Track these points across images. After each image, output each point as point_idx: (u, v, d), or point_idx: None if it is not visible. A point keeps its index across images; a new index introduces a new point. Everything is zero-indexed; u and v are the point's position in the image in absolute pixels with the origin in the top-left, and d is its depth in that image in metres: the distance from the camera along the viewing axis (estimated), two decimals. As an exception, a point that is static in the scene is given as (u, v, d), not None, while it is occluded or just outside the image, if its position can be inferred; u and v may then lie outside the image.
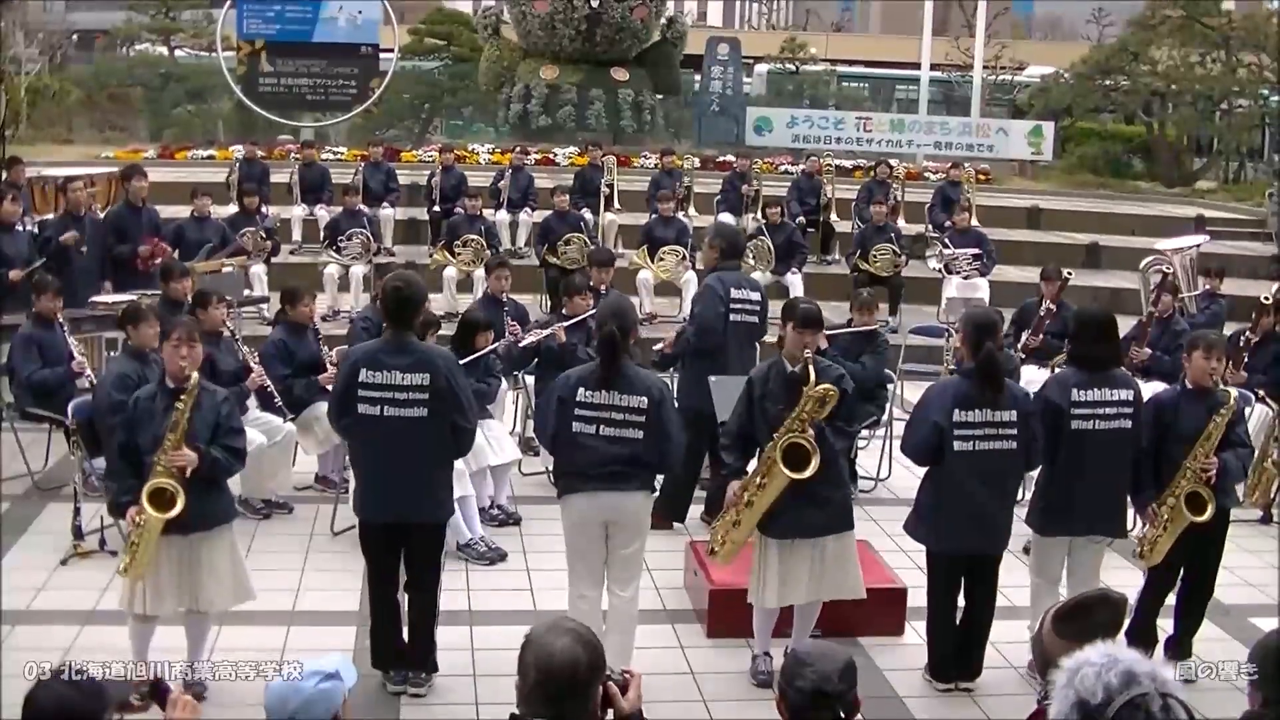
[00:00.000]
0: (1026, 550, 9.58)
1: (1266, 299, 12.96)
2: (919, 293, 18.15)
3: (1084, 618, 4.22)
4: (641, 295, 16.53)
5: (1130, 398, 8.00)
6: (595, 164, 20.20)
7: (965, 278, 17.35)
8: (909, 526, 8.25)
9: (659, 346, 11.00)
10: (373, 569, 7.82)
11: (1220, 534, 8.38)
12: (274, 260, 16.65)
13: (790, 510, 7.71)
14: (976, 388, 7.82)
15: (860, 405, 8.60)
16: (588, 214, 18.52)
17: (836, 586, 7.87)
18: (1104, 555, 8.43)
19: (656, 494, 8.07)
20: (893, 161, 22.39)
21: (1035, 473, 8.74)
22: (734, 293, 10.61)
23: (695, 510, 10.79)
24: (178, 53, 39.01)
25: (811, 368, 7.59)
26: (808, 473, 7.48)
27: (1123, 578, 8.93)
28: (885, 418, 11.75)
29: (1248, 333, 12.88)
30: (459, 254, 16.86)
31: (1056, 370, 9.64)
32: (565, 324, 11.41)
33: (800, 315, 7.87)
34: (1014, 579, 8.93)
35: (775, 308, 10.68)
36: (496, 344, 10.87)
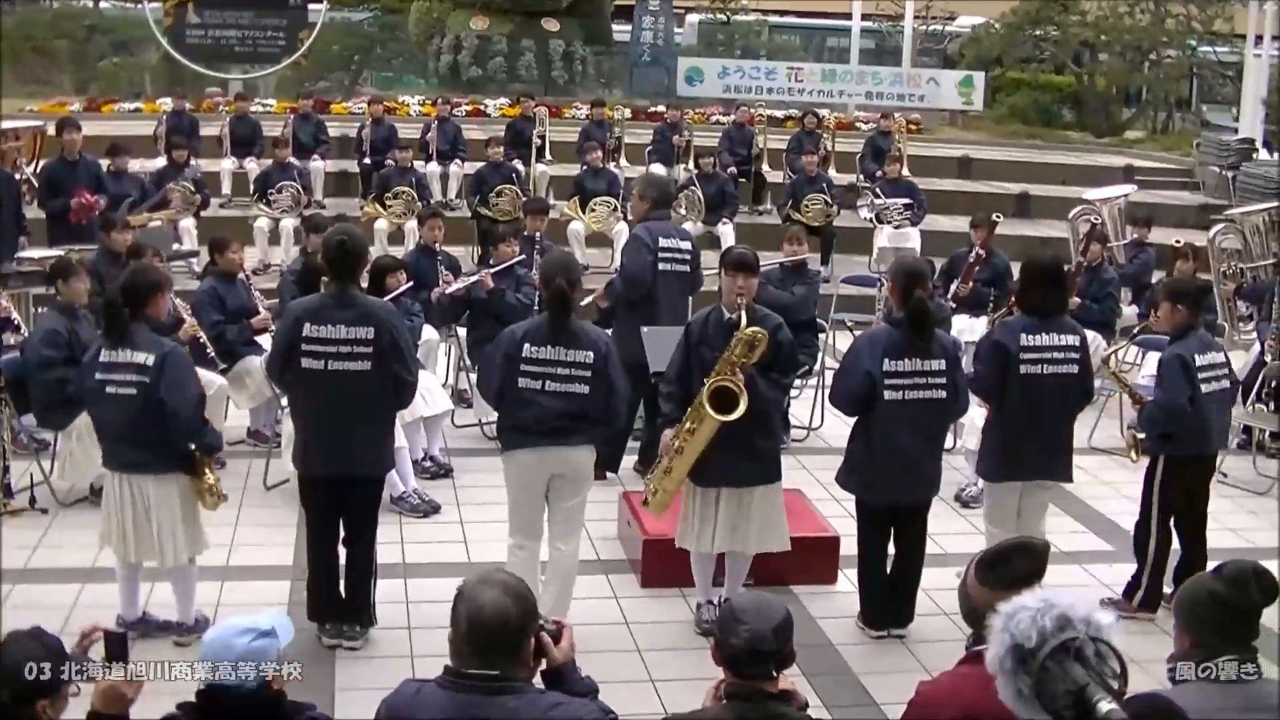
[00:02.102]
0: (958, 498, 10.10)
1: (1177, 242, 13.13)
2: (851, 242, 18.16)
3: (1005, 566, 4.25)
4: (573, 246, 16.48)
5: (1077, 343, 8.04)
6: (527, 115, 20.12)
7: (896, 227, 17.35)
8: (840, 478, 8.26)
9: (590, 300, 10.98)
10: (313, 523, 7.79)
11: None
12: (203, 214, 16.49)
13: (719, 459, 7.70)
14: (906, 337, 7.81)
15: (795, 353, 8.58)
16: (519, 165, 18.45)
17: (762, 539, 7.89)
18: (1048, 503, 8.54)
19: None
20: (823, 112, 22.35)
21: (970, 419, 9.22)
22: (662, 242, 10.58)
23: (629, 461, 10.82)
24: (103, 4, 38.42)
25: (744, 313, 7.56)
26: (735, 414, 7.45)
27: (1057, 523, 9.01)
28: (817, 367, 11.81)
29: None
30: (390, 206, 16.78)
31: (996, 321, 9.77)
32: (491, 270, 11.40)
33: (732, 259, 7.86)
34: (944, 526, 9.08)
35: (709, 259, 10.88)
36: (411, 283, 10.82)
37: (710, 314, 7.91)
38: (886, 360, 7.80)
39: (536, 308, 9.98)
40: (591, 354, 7.53)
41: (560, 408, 7.50)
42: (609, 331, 9.70)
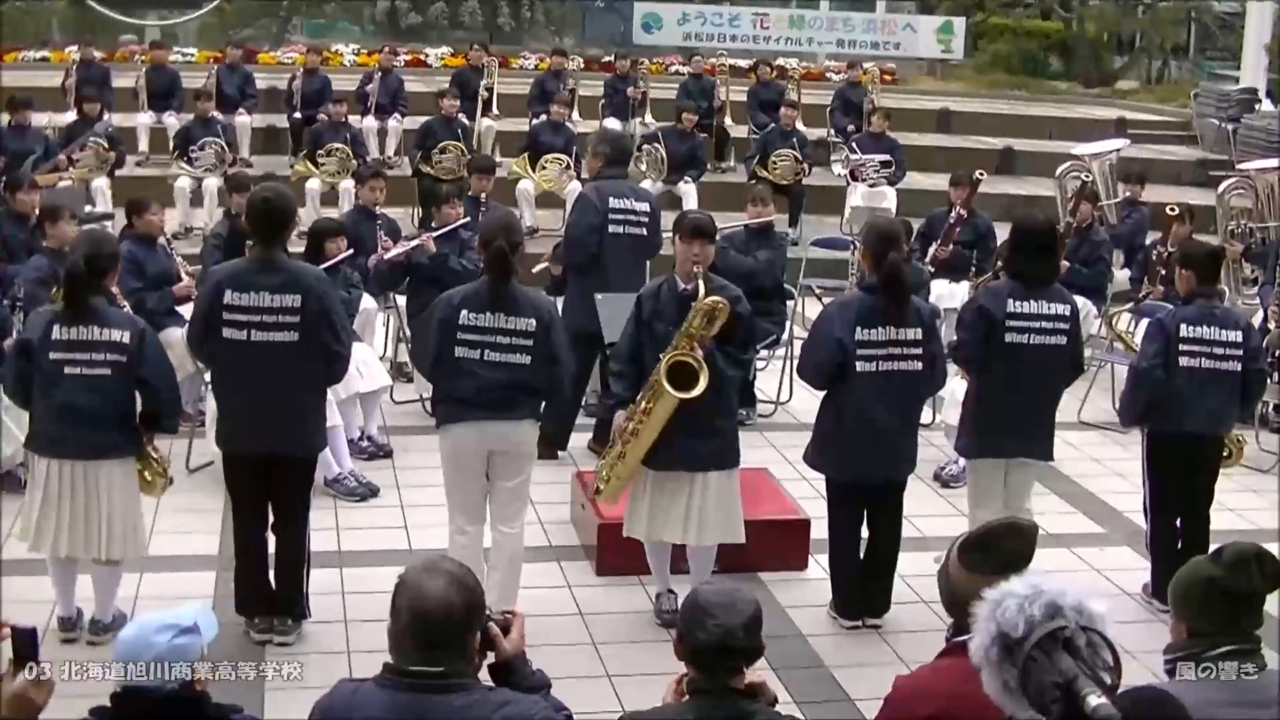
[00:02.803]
0: (937, 478, 10.19)
1: (1173, 209, 13.13)
2: (821, 203, 18.19)
3: (992, 549, 4.24)
4: (522, 207, 16.42)
5: (1067, 313, 8.07)
6: (474, 65, 20.01)
7: (871, 186, 17.37)
8: (808, 456, 8.29)
9: (539, 267, 11.03)
10: (238, 507, 7.77)
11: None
12: (118, 173, 16.37)
13: (672, 441, 7.71)
14: (880, 304, 7.83)
15: (758, 325, 8.64)
16: (464, 119, 18.30)
17: (716, 529, 7.88)
18: (1033, 480, 8.59)
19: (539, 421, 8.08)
20: (791, 61, 22.31)
21: (950, 392, 9.27)
22: (613, 203, 10.56)
23: (581, 439, 10.82)
24: (5, -56, 38.09)
25: (702, 282, 7.56)
26: (696, 391, 7.46)
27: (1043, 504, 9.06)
28: (785, 336, 11.78)
29: (1159, 247, 13.16)
30: (323, 164, 16.70)
31: (980, 286, 9.83)
32: (434, 234, 11.41)
33: (687, 224, 7.85)
34: (922, 507, 9.13)
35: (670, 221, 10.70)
36: (351, 250, 10.83)
37: (662, 285, 7.90)
38: (859, 329, 7.80)
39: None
40: (533, 321, 7.51)
41: (500, 378, 7.49)
42: (561, 300, 9.87)
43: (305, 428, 7.69)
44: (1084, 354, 8.66)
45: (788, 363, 11.68)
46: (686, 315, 7.59)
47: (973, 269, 12.59)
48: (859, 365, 7.82)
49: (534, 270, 11.40)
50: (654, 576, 8.23)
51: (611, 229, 10.53)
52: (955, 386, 9.27)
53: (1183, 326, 8.31)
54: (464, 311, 7.50)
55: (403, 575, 3.99)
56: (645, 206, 10.75)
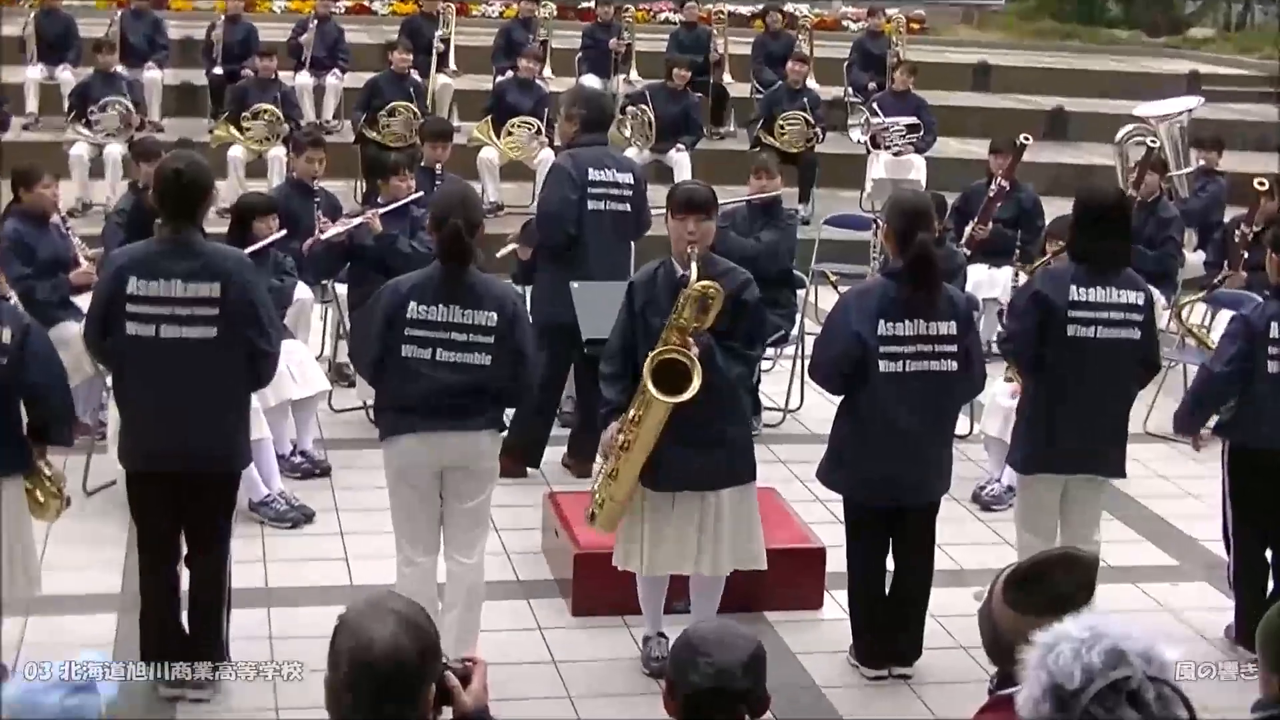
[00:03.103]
0: (977, 499, 10.17)
1: (1261, 183, 13.07)
2: (838, 174, 18.16)
3: (1044, 584, 4.21)
4: (484, 180, 16.42)
5: (1141, 302, 8.07)
6: (428, 14, 19.99)
7: (896, 154, 17.32)
8: (822, 473, 8.28)
9: (505, 251, 11.07)
10: (144, 536, 7.70)
11: None
12: (3, 137, 16.39)
13: (673, 455, 7.65)
14: (907, 292, 7.81)
15: (767, 317, 8.65)
16: (415, 76, 18.29)
17: (733, 555, 7.87)
18: (1102, 503, 8.57)
19: (505, 433, 8.13)
20: (802, 8, 22.26)
21: (990, 397, 9.33)
22: (593, 174, 10.54)
23: (555, 453, 10.76)
24: None
25: (695, 264, 7.51)
26: (686, 394, 7.40)
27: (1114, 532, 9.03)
28: (795, 331, 11.71)
29: (1242, 225, 13.08)
30: (248, 129, 16.68)
31: (1038, 269, 9.73)
32: (380, 211, 11.38)
33: (680, 198, 7.81)
34: (958, 534, 9.14)
35: (659, 196, 10.46)
36: (283, 230, 10.83)
37: (658, 270, 7.89)
38: (882, 322, 7.80)
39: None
40: (494, 314, 7.52)
41: (455, 382, 7.50)
42: (528, 289, 10.02)
43: (226, 441, 7.61)
44: (1159, 350, 8.66)
45: (798, 362, 11.64)
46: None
47: (1016, 251, 12.52)
48: (882, 364, 7.80)
49: (498, 255, 11.42)
50: (644, 616, 8.21)
51: (590, 205, 10.50)
52: (996, 391, 9.43)
53: (1274, 325, 8.23)
54: (413, 303, 7.50)
55: (343, 616, 3.96)
56: (629, 178, 10.73)
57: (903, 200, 8.30)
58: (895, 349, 7.81)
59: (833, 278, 12.35)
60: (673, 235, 7.77)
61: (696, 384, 7.38)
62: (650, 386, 7.46)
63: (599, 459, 8.08)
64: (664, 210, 8.03)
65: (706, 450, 7.70)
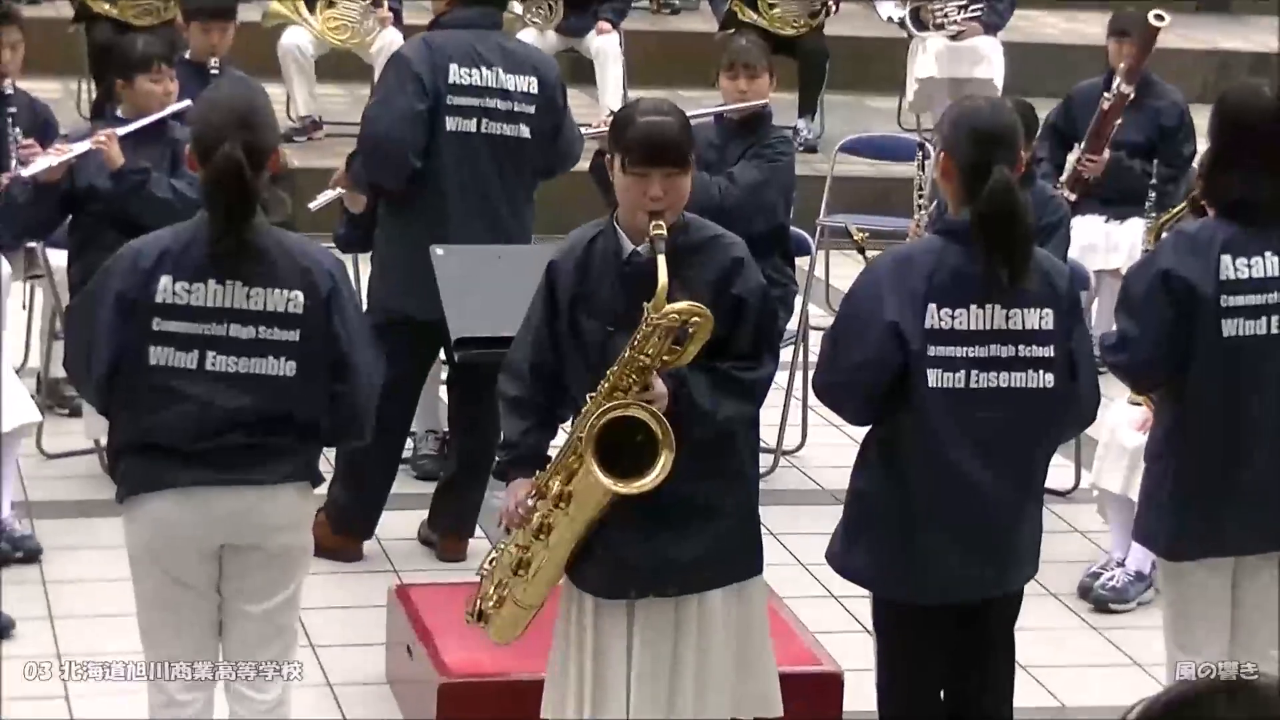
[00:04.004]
0: (1087, 593, 8.89)
1: None
2: (861, 70, 15.61)
3: None
4: (291, 81, 14.00)
5: None
6: None
7: (954, 37, 14.83)
8: (838, 554, 6.69)
9: (323, 199, 9.28)
10: None
11: None
12: None
13: (628, 537, 6.23)
14: (975, 261, 6.30)
15: (777, 311, 7.21)
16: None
17: (733, 698, 6.52)
18: None
19: (326, 485, 7.21)
20: None
21: (1109, 430, 8.47)
22: (457, 73, 8.59)
23: (404, 520, 9.01)
24: None
25: (662, 259, 5.94)
26: (648, 480, 5.99)
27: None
28: (793, 324, 9.85)
29: None
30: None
31: (1165, 228, 8.49)
32: (121, 130, 9.74)
33: (636, 139, 6.16)
34: (1056, 647, 8.10)
35: (582, 110, 10.36)
36: None
37: (596, 240, 6.41)
38: (934, 309, 6.31)
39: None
40: (300, 295, 6.27)
41: (238, 406, 6.30)
42: (363, 259, 9.36)
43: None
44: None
45: (797, 375, 10.01)
46: (637, 298, 6.08)
47: (1150, 195, 10.34)
48: (933, 377, 6.28)
49: (311, 205, 9.22)
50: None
51: (450, 123, 8.54)
52: (1115, 421, 8.19)
53: None
54: (165, 278, 6.25)
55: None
56: (528, 82, 8.69)
57: (970, 114, 6.68)
58: (955, 352, 6.34)
59: (857, 234, 10.17)
60: (624, 196, 6.28)
61: (664, 465, 5.98)
62: (595, 467, 6.08)
63: (498, 527, 6.67)
64: (594, 135, 7.81)
65: (684, 528, 6.31)
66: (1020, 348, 6.35)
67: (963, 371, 6.30)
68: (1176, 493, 6.83)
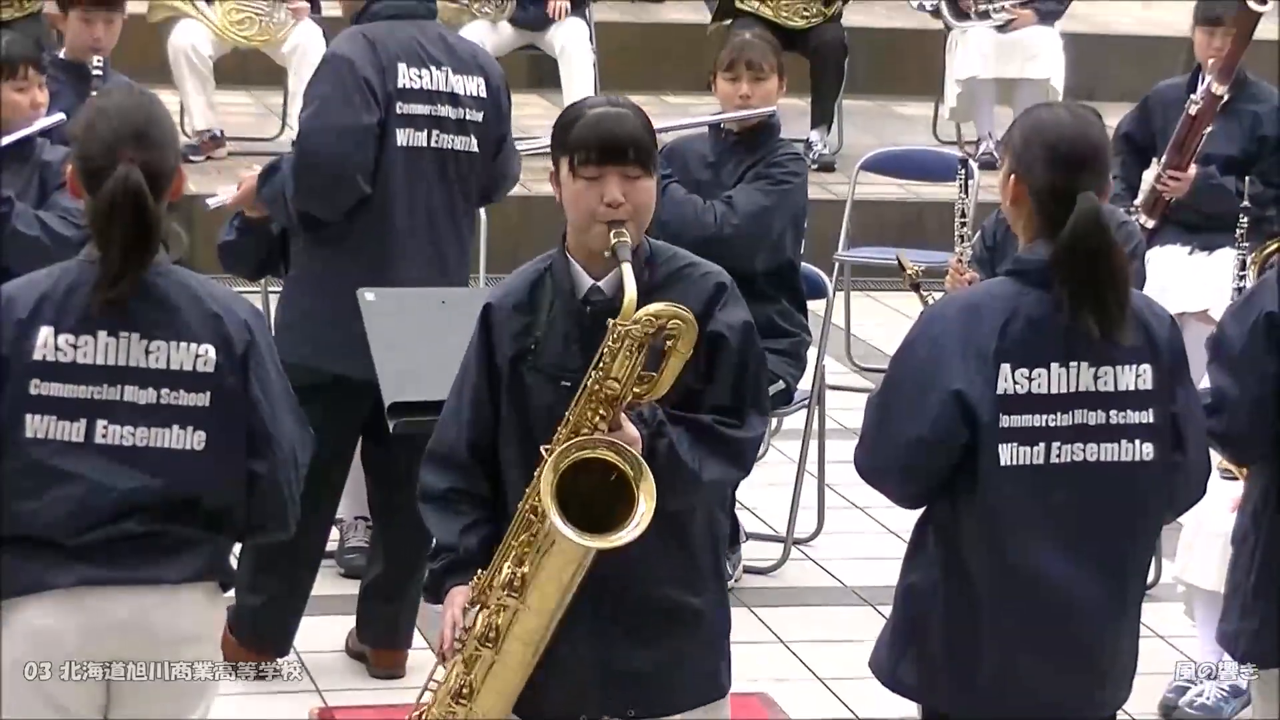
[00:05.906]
0: (1169, 712, 8.22)
1: None
2: (888, 69, 14.98)
3: None
4: (185, 87, 12.93)
5: None
6: None
7: (1001, 28, 13.96)
8: (885, 665, 5.87)
9: (225, 195, 8.47)
10: None
11: None
12: None
13: (574, 652, 5.56)
14: (1057, 311, 5.59)
15: (764, 358, 6.29)
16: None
17: None
18: None
19: (232, 591, 6.46)
20: None
21: (1198, 519, 7.67)
22: (407, 75, 7.78)
23: (331, 628, 8.26)
24: None
25: (627, 267, 5.30)
26: (627, 532, 5.18)
27: None
28: (805, 382, 8.99)
29: None
30: None
31: (1260, 264, 8.16)
32: None
33: (584, 135, 5.48)
34: None
35: (531, 117, 10.31)
36: None
37: (543, 278, 5.74)
38: (1006, 369, 5.67)
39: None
40: (210, 350, 5.68)
41: (135, 488, 5.64)
42: (276, 302, 8.50)
43: None
44: None
45: (810, 445, 9.19)
46: (595, 348, 5.37)
47: (1244, 220, 9.10)
48: (1005, 453, 5.60)
49: (210, 203, 8.45)
50: None
51: (408, 135, 7.79)
52: (1204, 505, 6.86)
53: None
54: (45, 332, 5.67)
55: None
56: (475, 84, 7.93)
57: (1048, 126, 5.73)
58: (1032, 421, 5.74)
59: (910, 268, 8.49)
60: (574, 209, 5.56)
61: (645, 512, 5.30)
62: (555, 517, 5.34)
63: (436, 652, 5.80)
64: (541, 149, 7.09)
65: (640, 639, 5.61)
66: (1112, 413, 5.63)
67: (1041, 444, 5.59)
68: (1262, 583, 6.16)
